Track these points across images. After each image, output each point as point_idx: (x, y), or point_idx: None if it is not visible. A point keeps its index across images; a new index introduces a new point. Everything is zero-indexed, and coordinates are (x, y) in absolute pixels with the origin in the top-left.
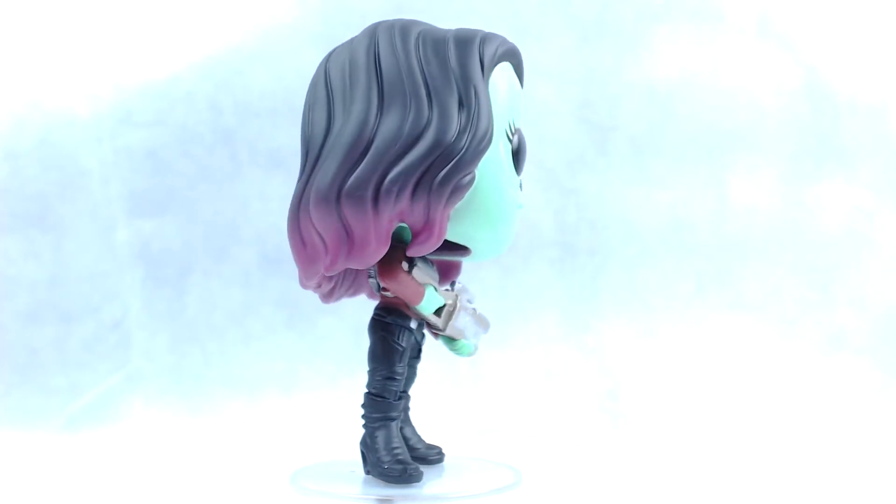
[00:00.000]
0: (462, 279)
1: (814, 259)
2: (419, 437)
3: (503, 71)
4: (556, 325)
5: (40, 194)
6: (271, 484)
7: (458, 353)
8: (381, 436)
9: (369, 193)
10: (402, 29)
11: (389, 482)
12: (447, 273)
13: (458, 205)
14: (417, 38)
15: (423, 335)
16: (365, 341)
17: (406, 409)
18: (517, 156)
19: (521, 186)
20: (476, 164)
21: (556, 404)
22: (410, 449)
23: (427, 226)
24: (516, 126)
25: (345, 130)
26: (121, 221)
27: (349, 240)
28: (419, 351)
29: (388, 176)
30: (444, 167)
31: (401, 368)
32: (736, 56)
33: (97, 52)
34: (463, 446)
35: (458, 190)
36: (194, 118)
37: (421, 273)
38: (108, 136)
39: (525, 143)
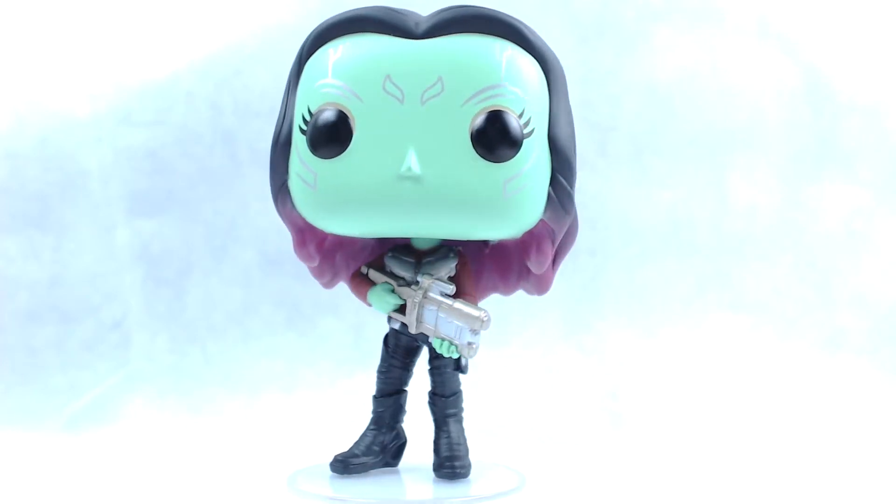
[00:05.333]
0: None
1: (814, 259)
2: (448, 446)
3: (329, 49)
4: (556, 325)
5: (40, 194)
6: (271, 484)
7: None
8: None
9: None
10: None
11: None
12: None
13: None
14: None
15: (426, 336)
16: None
17: (445, 414)
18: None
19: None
20: (277, 170)
21: (556, 405)
22: (435, 457)
23: (291, 233)
24: (317, 106)
25: None
26: (121, 221)
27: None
28: None
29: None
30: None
31: (390, 369)
32: (736, 56)
33: (97, 52)
34: None
35: (280, 197)
36: (194, 118)
37: (378, 274)
38: (108, 136)
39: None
